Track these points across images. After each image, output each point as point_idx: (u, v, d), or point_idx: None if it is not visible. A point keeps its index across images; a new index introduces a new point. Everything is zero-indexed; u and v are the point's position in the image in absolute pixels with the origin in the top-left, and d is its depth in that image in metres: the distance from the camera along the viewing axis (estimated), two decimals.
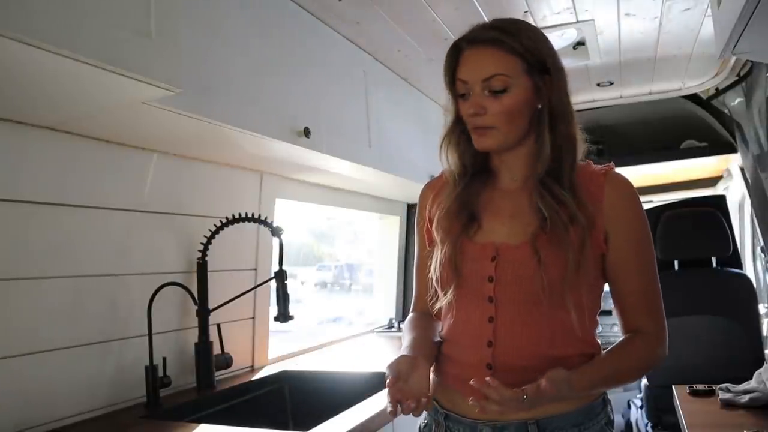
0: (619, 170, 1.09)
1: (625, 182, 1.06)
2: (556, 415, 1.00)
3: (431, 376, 1.12)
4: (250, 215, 1.76)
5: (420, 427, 1.14)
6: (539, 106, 1.03)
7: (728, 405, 1.55)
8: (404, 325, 1.18)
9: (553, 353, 1.00)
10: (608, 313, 1.08)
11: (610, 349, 1.04)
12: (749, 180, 2.61)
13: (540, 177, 1.03)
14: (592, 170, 1.07)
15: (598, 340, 1.08)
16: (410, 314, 1.21)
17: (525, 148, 1.06)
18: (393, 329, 3.04)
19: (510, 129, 1.02)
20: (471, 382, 0.90)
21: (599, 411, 1.04)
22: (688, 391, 1.70)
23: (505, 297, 1.02)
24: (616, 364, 1.03)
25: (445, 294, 1.07)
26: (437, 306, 1.10)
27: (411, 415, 0.96)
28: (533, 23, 1.97)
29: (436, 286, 1.09)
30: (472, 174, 1.10)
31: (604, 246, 1.03)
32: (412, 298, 1.23)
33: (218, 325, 1.84)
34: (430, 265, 1.09)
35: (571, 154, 1.04)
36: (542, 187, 1.02)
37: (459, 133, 1.09)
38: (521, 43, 1.00)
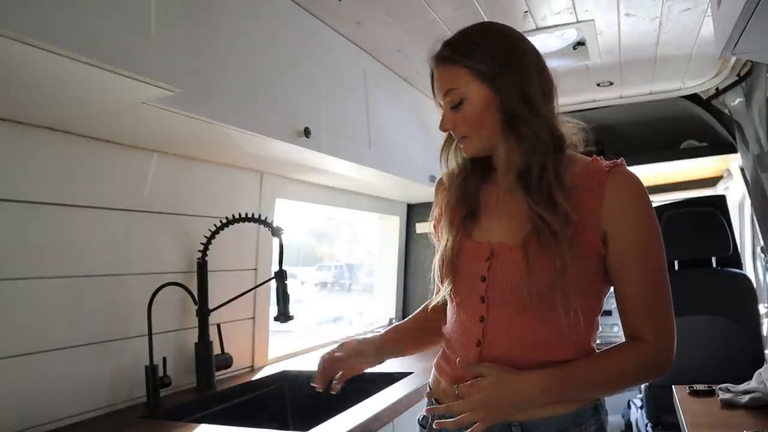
0: None
1: (630, 180, 1.00)
2: (541, 419, 0.98)
3: (433, 370, 1.15)
4: (250, 215, 1.76)
5: (419, 419, 1.15)
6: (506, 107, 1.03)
7: (728, 405, 1.55)
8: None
9: (542, 357, 0.99)
10: (608, 313, 1.07)
11: (597, 353, 1.02)
12: (749, 180, 2.61)
13: (516, 180, 1.03)
14: (595, 167, 1.02)
15: (598, 341, 1.08)
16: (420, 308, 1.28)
17: (503, 149, 1.07)
18: None
19: (481, 134, 1.04)
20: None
21: (588, 417, 1.01)
22: (688, 391, 1.70)
23: (495, 297, 1.02)
24: (600, 370, 1.00)
25: (443, 288, 1.09)
26: (437, 299, 1.14)
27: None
28: (533, 23, 1.98)
29: (437, 280, 1.11)
30: (472, 169, 1.12)
31: (602, 248, 0.98)
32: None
33: (218, 325, 1.84)
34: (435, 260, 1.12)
35: (540, 156, 1.00)
36: (525, 190, 1.02)
37: (454, 141, 1.13)
38: (463, 54, 1.02)
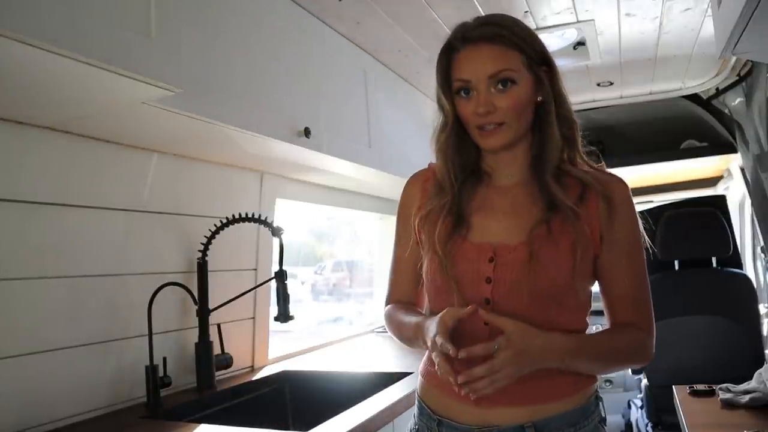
0: (619, 170, 1.10)
1: (623, 183, 1.06)
2: (553, 416, 1.00)
3: (419, 379, 1.13)
4: (250, 215, 1.76)
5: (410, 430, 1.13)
6: (539, 99, 1.04)
7: (729, 405, 1.55)
8: (391, 313, 1.14)
9: None
10: (602, 313, 1.09)
11: (603, 330, 1.06)
12: (749, 180, 2.61)
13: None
14: (591, 170, 1.07)
15: None
16: (388, 306, 1.17)
17: (524, 144, 1.07)
18: None
19: (519, 124, 1.02)
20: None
21: (593, 410, 1.05)
22: (688, 391, 1.70)
23: (503, 299, 1.00)
24: (608, 343, 1.04)
25: (446, 298, 1.04)
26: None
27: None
28: (533, 23, 1.98)
29: (432, 291, 1.08)
30: (463, 179, 1.09)
31: (599, 247, 1.03)
32: (387, 291, 1.19)
33: (218, 325, 1.84)
34: (421, 266, 1.09)
35: (558, 151, 1.05)
36: (538, 179, 1.04)
37: (455, 135, 1.07)
38: (519, 37, 1.01)
